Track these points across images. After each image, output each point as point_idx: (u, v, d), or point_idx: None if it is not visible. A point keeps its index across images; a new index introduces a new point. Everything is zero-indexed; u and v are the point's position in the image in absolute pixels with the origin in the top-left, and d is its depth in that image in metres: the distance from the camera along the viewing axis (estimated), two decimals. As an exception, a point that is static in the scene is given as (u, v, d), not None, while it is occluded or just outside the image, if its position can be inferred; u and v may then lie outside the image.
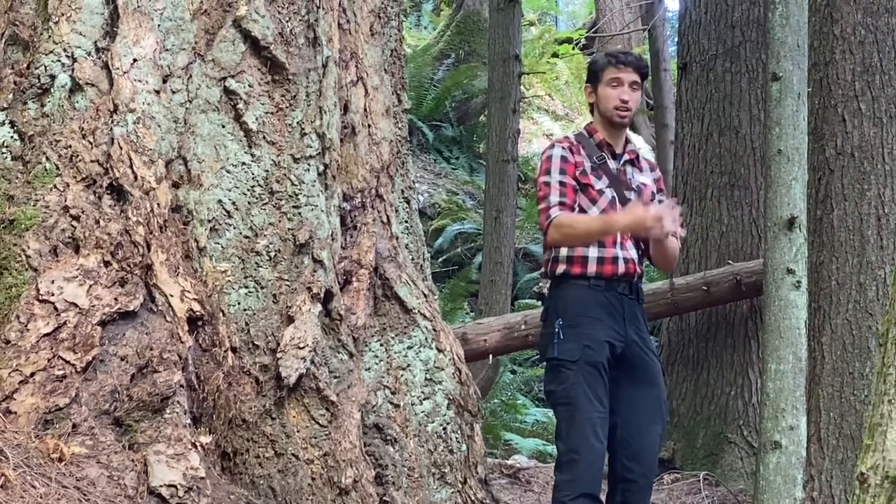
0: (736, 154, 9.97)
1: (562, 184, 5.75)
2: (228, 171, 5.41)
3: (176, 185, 5.32)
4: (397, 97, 6.69)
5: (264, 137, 5.49)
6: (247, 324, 5.29)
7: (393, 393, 5.82)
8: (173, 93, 5.40)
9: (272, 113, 5.55)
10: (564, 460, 5.64)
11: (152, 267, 5.00)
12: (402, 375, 5.89)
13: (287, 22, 5.61)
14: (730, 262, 9.62)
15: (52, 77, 5.12)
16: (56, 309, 4.67)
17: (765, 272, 6.38)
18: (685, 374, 9.89)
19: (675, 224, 5.57)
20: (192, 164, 5.35)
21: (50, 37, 5.17)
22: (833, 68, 7.35)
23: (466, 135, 19.70)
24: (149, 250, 5.00)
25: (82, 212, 4.90)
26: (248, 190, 5.43)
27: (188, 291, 5.12)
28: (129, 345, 4.77)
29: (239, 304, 5.31)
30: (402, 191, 6.60)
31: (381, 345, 5.90)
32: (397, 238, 6.21)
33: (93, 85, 5.15)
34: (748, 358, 9.61)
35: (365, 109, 6.15)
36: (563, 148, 5.85)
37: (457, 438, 5.97)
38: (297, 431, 5.21)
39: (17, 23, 5.25)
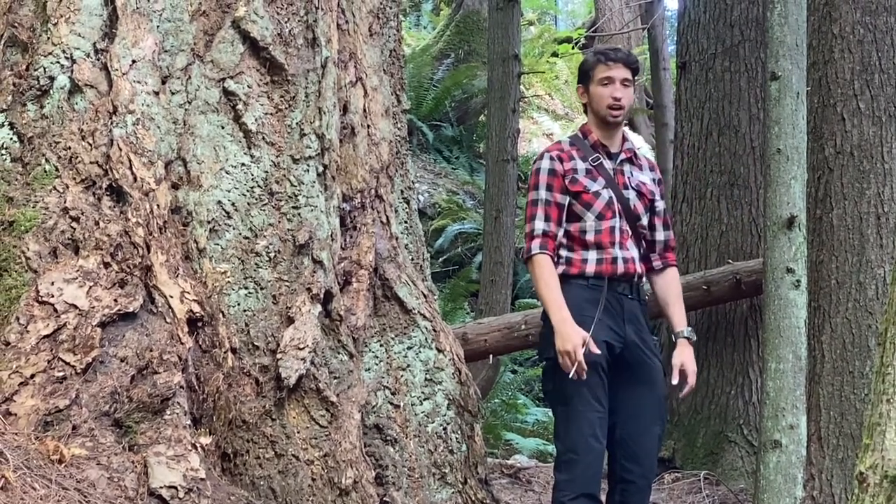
0: (735, 153, 9.97)
1: (547, 203, 5.74)
2: (228, 172, 5.41)
3: (175, 187, 5.32)
4: (396, 97, 6.69)
5: (263, 138, 5.50)
6: (247, 325, 5.29)
7: (393, 393, 5.82)
8: (172, 94, 5.40)
9: (271, 114, 5.55)
10: (563, 460, 5.64)
11: (152, 268, 5.01)
12: (402, 376, 5.89)
13: (286, 23, 5.62)
14: (729, 261, 9.62)
15: (52, 78, 5.12)
16: (56, 310, 4.67)
17: (764, 271, 6.38)
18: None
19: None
20: (191, 166, 5.35)
21: (49, 38, 5.17)
22: (832, 67, 7.35)
23: (466, 134, 19.70)
24: (148, 251, 5.00)
25: (82, 213, 4.90)
26: (248, 191, 5.43)
27: (188, 292, 5.12)
28: (129, 346, 4.77)
29: (239, 304, 5.31)
30: (402, 191, 6.60)
31: (381, 345, 5.90)
32: (397, 238, 6.21)
33: (92, 86, 5.15)
34: (748, 357, 9.61)
35: (364, 110, 6.15)
36: (552, 159, 5.82)
37: (457, 439, 5.97)
38: (298, 432, 5.21)
39: (16, 24, 5.25)
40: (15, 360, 4.55)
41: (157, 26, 5.40)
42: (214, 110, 5.47)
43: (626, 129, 6.12)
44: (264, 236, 5.41)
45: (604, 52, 5.97)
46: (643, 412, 5.76)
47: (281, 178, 5.50)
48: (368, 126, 6.16)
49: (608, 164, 5.85)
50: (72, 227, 4.88)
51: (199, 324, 5.16)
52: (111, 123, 5.10)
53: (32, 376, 4.55)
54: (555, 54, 24.31)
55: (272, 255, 5.40)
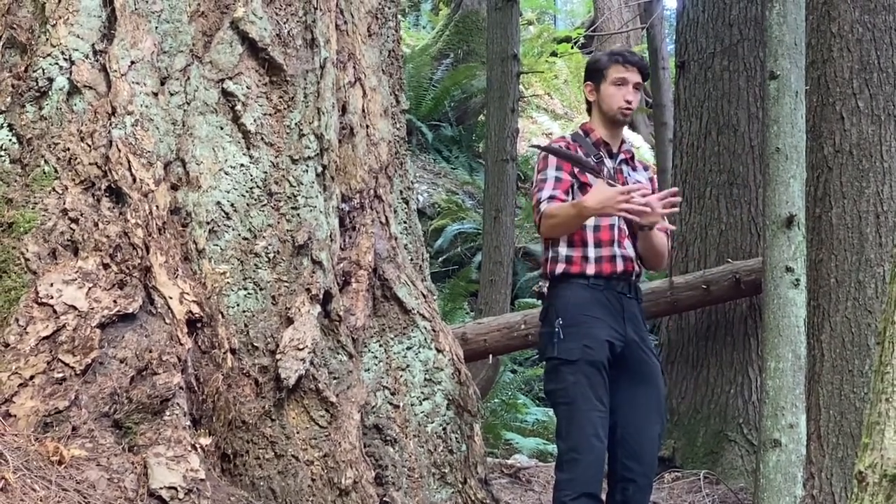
0: (734, 152, 9.98)
1: (557, 179, 5.76)
2: (227, 173, 5.41)
3: (174, 187, 5.32)
4: (395, 98, 6.69)
5: (262, 139, 5.50)
6: (246, 325, 5.29)
7: (392, 393, 5.82)
8: (171, 95, 5.40)
9: (270, 114, 5.55)
10: (565, 459, 5.65)
11: (151, 269, 5.00)
12: (401, 376, 5.90)
13: (284, 23, 5.62)
14: (729, 260, 9.63)
15: (50, 80, 5.12)
16: (55, 312, 4.67)
17: (764, 270, 6.38)
18: (685, 372, 9.89)
19: (660, 214, 5.59)
20: (190, 166, 5.35)
21: (48, 39, 5.17)
22: (831, 66, 7.35)
23: (465, 134, 19.70)
24: (148, 252, 5.00)
25: (81, 214, 4.90)
26: (247, 191, 5.43)
27: (187, 293, 5.12)
28: (129, 347, 4.77)
29: (238, 305, 5.31)
30: (401, 191, 6.60)
31: (381, 345, 5.90)
32: (396, 238, 6.21)
33: (91, 87, 5.15)
34: (748, 356, 9.62)
35: (363, 110, 6.15)
36: (560, 147, 5.87)
37: (456, 438, 5.97)
38: (297, 433, 5.21)
39: (15, 26, 5.25)
40: (14, 362, 4.55)
41: (156, 27, 5.41)
42: (213, 111, 5.47)
43: (625, 128, 6.12)
44: (263, 237, 5.41)
45: (621, 53, 5.99)
46: (644, 411, 5.77)
47: (280, 178, 5.50)
48: (367, 126, 6.16)
49: (609, 163, 5.87)
50: (71, 229, 4.88)
51: (199, 325, 5.16)
52: (110, 124, 5.10)
53: (32, 377, 4.55)
54: (554, 54, 24.30)
55: (271, 255, 5.40)
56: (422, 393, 5.93)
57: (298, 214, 5.49)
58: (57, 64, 5.14)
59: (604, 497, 5.75)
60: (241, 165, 5.44)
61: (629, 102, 5.84)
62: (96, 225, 4.90)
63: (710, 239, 10.01)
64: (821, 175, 7.30)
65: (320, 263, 5.49)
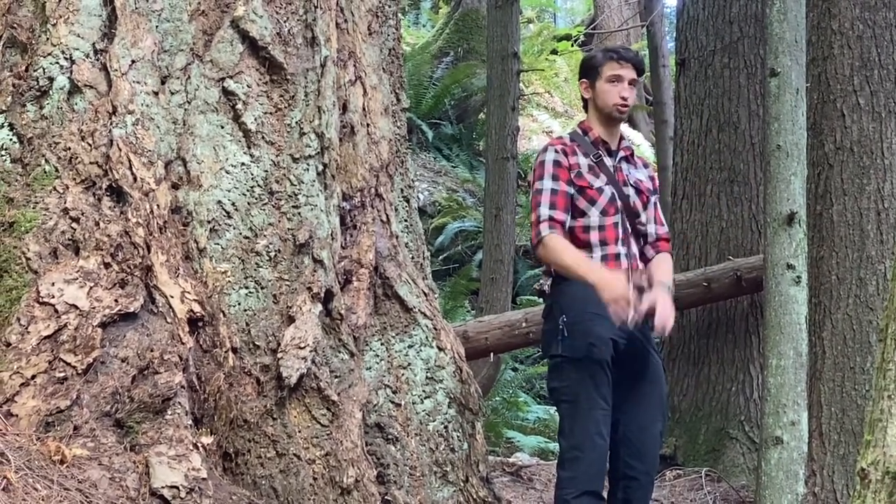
0: (735, 150, 9.97)
1: (553, 192, 5.72)
2: (228, 172, 5.41)
3: (175, 186, 5.32)
4: (396, 96, 6.69)
5: (263, 138, 5.50)
6: (247, 324, 5.29)
7: (394, 392, 5.82)
8: (172, 94, 5.40)
9: (271, 113, 5.55)
10: (567, 457, 5.64)
11: (152, 268, 5.01)
12: (402, 374, 5.90)
13: (285, 22, 5.62)
14: (730, 257, 9.63)
15: (51, 79, 5.12)
16: (56, 311, 4.67)
17: (765, 268, 6.39)
18: (686, 370, 9.89)
19: (634, 318, 5.50)
20: (191, 165, 5.35)
21: (48, 39, 5.17)
22: (831, 63, 7.35)
23: (466, 133, 19.70)
24: (149, 252, 5.00)
25: (82, 214, 4.90)
26: (248, 190, 5.43)
27: (188, 292, 5.12)
28: (130, 346, 4.77)
29: (239, 304, 5.31)
30: (402, 189, 6.59)
31: (382, 344, 5.90)
32: (397, 237, 6.21)
33: (91, 87, 5.15)
34: (749, 354, 9.61)
35: (363, 108, 6.15)
36: (557, 151, 5.82)
37: (458, 437, 5.97)
38: (299, 431, 5.21)
39: (16, 25, 5.25)
40: (16, 361, 4.55)
41: (157, 26, 5.40)
42: (214, 110, 5.46)
43: (625, 126, 6.11)
44: (264, 236, 5.40)
45: (615, 50, 5.97)
46: (646, 409, 5.76)
47: (281, 177, 5.50)
48: (368, 125, 6.16)
49: (608, 161, 5.86)
50: (72, 228, 4.87)
51: (200, 323, 5.16)
52: (111, 124, 5.10)
53: (33, 377, 4.55)
54: (554, 52, 24.30)
55: (272, 254, 5.40)
56: (423, 391, 5.93)
57: (299, 213, 5.49)
58: (57, 63, 5.14)
59: (605, 495, 5.75)
60: (242, 164, 5.44)
61: (625, 99, 5.84)
62: (97, 224, 4.90)
63: (711, 236, 10.00)
64: (822, 172, 7.31)
65: (321, 262, 5.49)
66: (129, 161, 5.07)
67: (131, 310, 4.84)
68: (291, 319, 5.31)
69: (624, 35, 22.90)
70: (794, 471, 6.06)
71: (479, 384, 7.00)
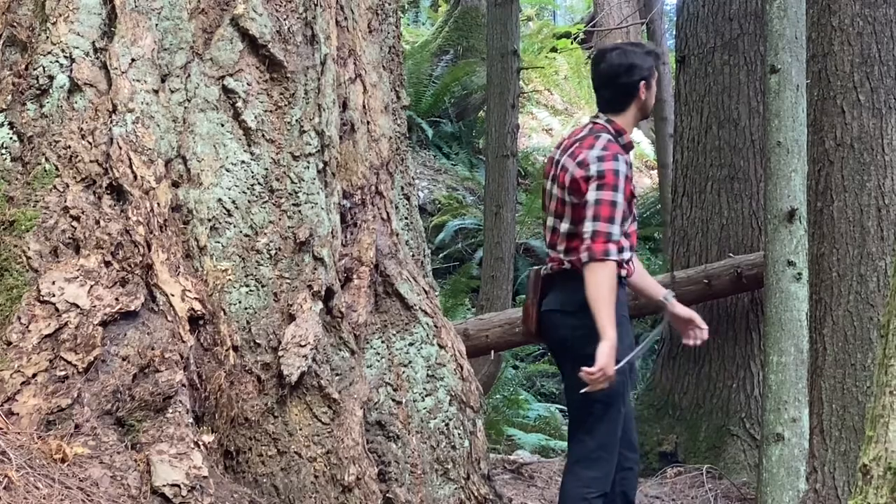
0: (735, 146, 9.96)
1: (622, 209, 5.56)
2: (228, 170, 5.41)
3: (176, 185, 5.32)
4: (396, 94, 6.69)
5: (263, 136, 5.50)
6: (248, 322, 5.29)
7: (395, 390, 5.82)
8: (172, 92, 5.40)
9: (271, 111, 5.54)
10: (593, 457, 5.63)
11: (153, 266, 5.01)
12: (403, 372, 5.90)
13: (285, 20, 5.61)
14: (730, 254, 9.62)
15: (51, 78, 5.12)
16: (57, 310, 4.68)
17: (765, 264, 6.39)
18: (687, 367, 9.89)
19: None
20: (191, 164, 5.35)
21: (48, 37, 5.17)
22: (831, 60, 7.34)
23: (466, 131, 19.70)
24: (149, 250, 5.01)
25: (82, 212, 4.90)
26: (248, 188, 5.43)
27: (189, 291, 5.12)
28: (131, 345, 4.78)
29: (240, 302, 5.31)
30: (402, 187, 6.60)
31: (383, 342, 5.90)
32: (397, 235, 6.21)
33: (91, 85, 5.15)
34: (750, 351, 9.61)
35: (363, 106, 6.15)
36: (627, 163, 5.65)
37: (459, 434, 5.98)
38: (300, 429, 5.22)
39: (15, 24, 5.25)
40: (17, 360, 4.55)
41: (156, 24, 5.40)
42: (214, 108, 5.46)
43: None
44: (265, 234, 5.41)
45: (656, 52, 5.95)
46: (629, 402, 5.84)
47: (281, 175, 5.50)
48: (368, 123, 6.16)
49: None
50: (72, 227, 4.88)
51: (201, 322, 5.17)
52: (111, 122, 5.10)
53: (34, 376, 4.56)
54: (554, 49, 24.28)
55: (273, 252, 5.40)
56: (424, 389, 5.93)
57: (300, 211, 5.49)
58: (57, 62, 5.14)
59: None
60: (242, 162, 5.44)
61: None
62: (97, 223, 4.91)
63: (712, 233, 10.00)
64: (822, 169, 7.29)
65: (322, 260, 5.49)
66: (130, 159, 5.07)
67: (132, 308, 4.85)
68: (292, 317, 5.31)
69: (624, 33, 22.89)
70: (795, 467, 6.07)
71: (480, 382, 7.00)
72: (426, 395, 5.92)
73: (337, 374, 5.41)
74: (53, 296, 4.69)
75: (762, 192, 8.53)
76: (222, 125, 5.45)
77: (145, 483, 4.52)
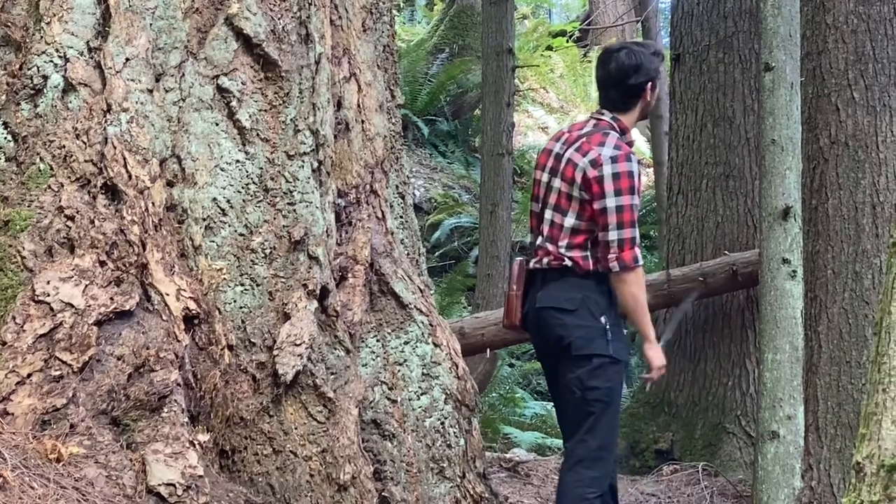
0: (730, 144, 9.96)
1: (637, 210, 5.62)
2: (223, 169, 5.41)
3: (170, 184, 5.32)
4: (390, 93, 6.69)
5: (258, 135, 5.50)
6: (243, 321, 5.30)
7: (390, 388, 5.82)
8: (166, 91, 5.40)
9: (265, 110, 5.54)
10: (595, 457, 5.63)
11: (148, 266, 5.01)
12: (399, 371, 5.90)
13: (279, 19, 5.61)
14: (725, 252, 9.61)
15: (45, 77, 5.12)
16: (52, 309, 4.68)
17: (760, 262, 6.39)
18: (682, 365, 9.88)
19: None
20: (186, 163, 5.35)
21: (42, 37, 5.17)
22: (826, 57, 7.34)
23: (461, 129, 19.69)
24: (144, 249, 5.01)
25: (77, 212, 4.90)
26: (243, 188, 5.43)
27: (184, 290, 5.13)
28: (126, 344, 4.78)
29: (235, 301, 5.31)
30: (397, 186, 6.60)
31: (378, 340, 5.90)
32: (392, 233, 6.21)
33: (86, 85, 5.15)
34: (745, 348, 9.61)
35: (358, 105, 6.15)
36: (638, 164, 5.68)
37: (455, 433, 5.98)
38: (295, 428, 5.22)
39: (9, 24, 5.25)
40: (12, 360, 4.55)
41: (150, 24, 5.40)
42: (208, 107, 5.46)
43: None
44: (260, 233, 5.41)
45: (661, 52, 5.95)
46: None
47: (276, 174, 5.50)
48: (363, 121, 6.16)
49: None
50: (67, 226, 4.88)
51: (196, 321, 5.17)
52: (105, 122, 5.10)
53: (29, 375, 4.56)
54: (549, 48, 24.27)
55: (268, 251, 5.40)
56: (419, 388, 5.93)
57: (294, 210, 5.49)
58: (51, 61, 5.14)
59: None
60: (237, 161, 5.44)
61: None
62: (92, 222, 4.91)
63: (707, 231, 9.99)
64: (817, 166, 7.30)
65: (317, 259, 5.49)
66: (124, 159, 5.07)
67: (127, 308, 4.85)
68: (287, 316, 5.31)
69: (619, 31, 22.89)
70: (790, 465, 6.07)
71: (476, 380, 7.01)
72: (422, 394, 5.92)
73: (332, 373, 5.42)
74: (48, 295, 4.69)
75: (757, 190, 8.54)
76: (217, 124, 5.45)
77: (141, 482, 4.52)
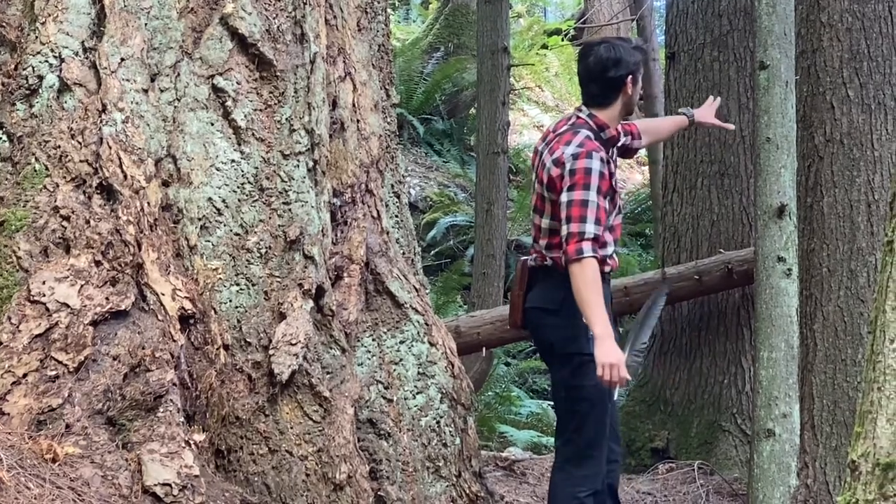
0: (725, 143, 9.96)
1: (598, 206, 5.51)
2: (218, 169, 5.41)
3: (166, 184, 5.32)
4: (385, 92, 6.69)
5: (253, 134, 5.50)
6: (238, 321, 5.30)
7: (386, 388, 5.83)
8: (161, 91, 5.40)
9: (261, 110, 5.55)
10: (583, 456, 5.63)
11: (143, 266, 5.01)
12: (394, 370, 5.90)
13: (274, 19, 5.61)
14: (721, 250, 9.62)
15: (40, 78, 5.12)
16: (48, 309, 4.68)
17: (756, 260, 6.40)
18: (678, 363, 9.89)
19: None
20: (181, 163, 5.36)
21: (37, 37, 5.17)
22: (821, 56, 7.34)
23: (457, 128, 19.69)
24: (139, 249, 5.01)
25: (72, 212, 4.90)
26: (238, 187, 5.43)
27: (179, 290, 5.13)
28: (122, 344, 4.78)
29: (230, 301, 5.31)
30: (392, 185, 6.60)
31: (374, 340, 5.90)
32: (388, 233, 6.21)
33: (81, 85, 5.15)
34: (741, 346, 9.61)
35: (353, 105, 6.15)
36: (602, 161, 5.58)
37: (450, 432, 5.98)
38: (291, 428, 5.22)
39: (4, 24, 5.25)
40: (7, 360, 4.55)
41: (146, 24, 5.40)
42: (204, 107, 5.46)
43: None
44: (255, 232, 5.41)
45: (643, 48, 5.94)
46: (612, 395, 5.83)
47: (271, 173, 5.50)
48: (358, 121, 6.16)
49: (613, 158, 5.82)
50: (62, 226, 4.88)
51: (191, 321, 5.17)
52: (100, 122, 5.10)
53: (25, 375, 4.56)
54: (544, 46, 24.27)
55: (263, 251, 5.40)
56: (415, 387, 5.93)
57: (290, 209, 5.49)
58: (47, 62, 5.14)
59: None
60: (232, 161, 5.44)
61: None
62: (88, 222, 4.91)
63: (702, 229, 9.99)
64: (812, 164, 7.30)
65: (312, 258, 5.49)
66: (119, 159, 5.07)
67: (122, 308, 4.85)
68: (283, 316, 5.32)
69: (614, 29, 22.88)
70: (786, 463, 6.08)
71: (472, 379, 7.01)
72: (417, 393, 5.93)
73: (328, 373, 5.42)
74: (44, 295, 4.69)
75: (752, 188, 8.54)
76: (212, 124, 5.45)
77: (136, 482, 4.52)
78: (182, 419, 4.85)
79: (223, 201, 5.38)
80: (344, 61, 6.13)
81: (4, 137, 5.06)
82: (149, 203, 5.14)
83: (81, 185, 5.00)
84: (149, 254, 5.05)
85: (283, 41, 5.62)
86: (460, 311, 13.59)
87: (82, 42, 5.23)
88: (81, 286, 4.78)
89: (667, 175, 10.51)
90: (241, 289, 5.34)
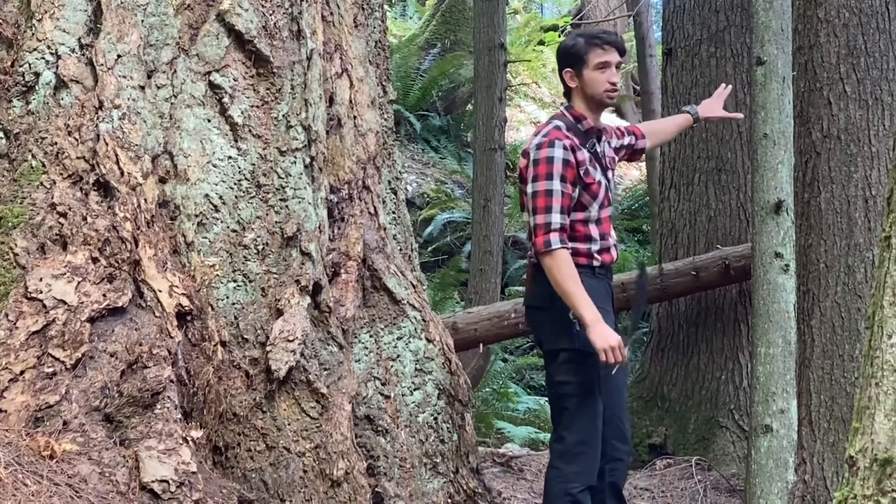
0: (722, 139, 9.96)
1: (562, 195, 5.52)
2: (215, 166, 5.41)
3: (163, 181, 5.32)
4: (382, 88, 6.69)
5: (250, 131, 5.49)
6: (236, 318, 5.29)
7: (383, 384, 5.82)
8: (158, 88, 5.40)
9: (257, 106, 5.54)
10: (574, 452, 5.61)
11: (140, 262, 5.00)
12: (392, 366, 5.90)
13: (271, 15, 5.61)
14: (718, 246, 9.62)
15: (37, 74, 5.12)
16: (45, 306, 4.67)
17: (753, 256, 6.40)
18: (675, 359, 9.89)
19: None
20: (178, 159, 5.35)
21: (34, 34, 5.17)
22: (818, 51, 7.33)
23: (454, 124, 19.69)
24: (136, 246, 5.00)
25: (69, 209, 4.90)
26: (235, 184, 5.43)
27: (177, 286, 5.12)
28: (119, 341, 4.77)
29: (228, 297, 5.31)
30: (389, 181, 6.60)
31: (371, 336, 5.90)
32: (385, 229, 6.21)
33: (77, 81, 5.15)
34: (738, 342, 9.62)
35: (350, 101, 6.14)
36: (566, 148, 5.57)
37: (448, 428, 5.98)
38: (288, 424, 5.22)
39: (1, 21, 5.24)
40: (4, 357, 4.55)
41: (142, 20, 5.40)
42: (200, 104, 5.46)
43: (614, 115, 6.08)
44: (252, 229, 5.40)
45: (597, 35, 5.83)
46: (622, 391, 5.81)
47: (268, 170, 5.49)
48: (355, 117, 6.16)
49: (599, 150, 5.79)
50: (59, 223, 4.87)
51: (189, 317, 5.16)
52: (97, 118, 5.10)
53: (22, 373, 4.55)
54: (541, 42, 24.27)
55: (260, 247, 5.40)
56: (412, 383, 5.93)
57: (287, 206, 5.49)
58: (43, 58, 5.14)
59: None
60: (229, 158, 5.43)
61: (614, 84, 5.75)
62: (85, 219, 4.90)
63: (699, 225, 9.99)
64: (809, 160, 7.29)
65: (309, 255, 5.49)
66: (116, 155, 5.07)
67: (119, 304, 4.85)
68: (280, 312, 5.31)
69: (611, 25, 22.88)
70: (783, 459, 6.08)
71: (469, 375, 7.01)
72: (415, 390, 5.93)
73: (325, 369, 5.42)
74: (41, 292, 4.69)
75: (749, 184, 8.54)
76: (209, 121, 5.45)
77: (134, 479, 4.52)
78: (179, 416, 4.84)
79: (220, 198, 5.38)
80: (341, 58, 6.13)
81: (1, 134, 5.06)
82: (146, 200, 5.13)
83: (78, 181, 4.99)
84: (146, 250, 5.04)
85: (279, 38, 5.61)
86: (457, 308, 13.60)
87: (79, 39, 5.23)
88: (78, 283, 4.77)
89: (664, 171, 10.51)
90: (238, 285, 5.34)
